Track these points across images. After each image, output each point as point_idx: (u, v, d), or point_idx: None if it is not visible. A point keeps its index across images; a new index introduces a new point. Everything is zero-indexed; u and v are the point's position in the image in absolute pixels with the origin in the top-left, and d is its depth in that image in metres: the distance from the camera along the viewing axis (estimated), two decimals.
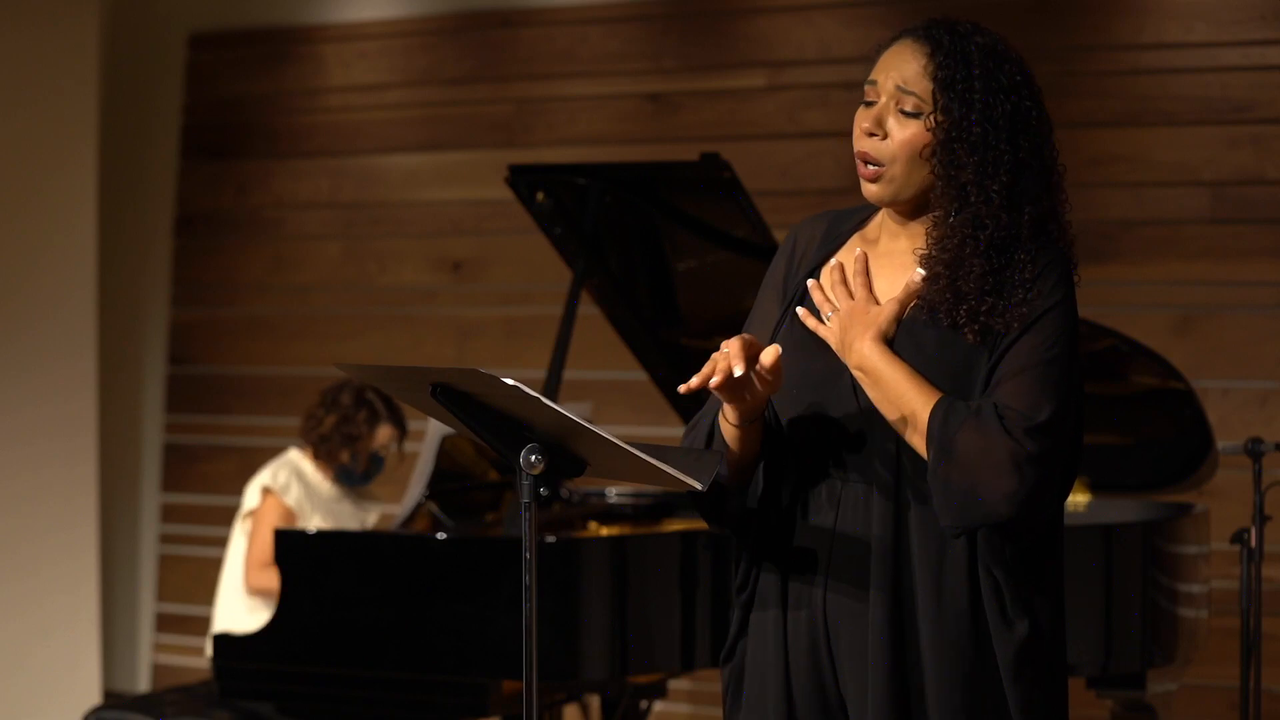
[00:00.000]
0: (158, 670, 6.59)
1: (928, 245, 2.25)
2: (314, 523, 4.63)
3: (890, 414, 2.20)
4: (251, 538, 4.60)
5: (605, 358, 5.40)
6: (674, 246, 4.29)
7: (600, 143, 5.91)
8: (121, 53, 6.64)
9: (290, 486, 4.62)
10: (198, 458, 6.54)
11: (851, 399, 2.25)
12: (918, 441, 2.18)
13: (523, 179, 4.20)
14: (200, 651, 5.60)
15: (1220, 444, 4.11)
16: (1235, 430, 4.88)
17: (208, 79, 6.65)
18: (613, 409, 5.62)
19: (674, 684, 5.05)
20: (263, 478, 4.66)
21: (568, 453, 2.23)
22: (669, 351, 4.38)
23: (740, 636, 2.36)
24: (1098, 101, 5.35)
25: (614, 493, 4.57)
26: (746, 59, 5.78)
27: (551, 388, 4.19)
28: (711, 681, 5.22)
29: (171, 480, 6.65)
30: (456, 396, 2.23)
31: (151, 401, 6.70)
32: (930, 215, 2.26)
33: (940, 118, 2.20)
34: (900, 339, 2.22)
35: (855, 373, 2.22)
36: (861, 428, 2.25)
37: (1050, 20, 5.41)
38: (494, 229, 6.11)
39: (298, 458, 4.71)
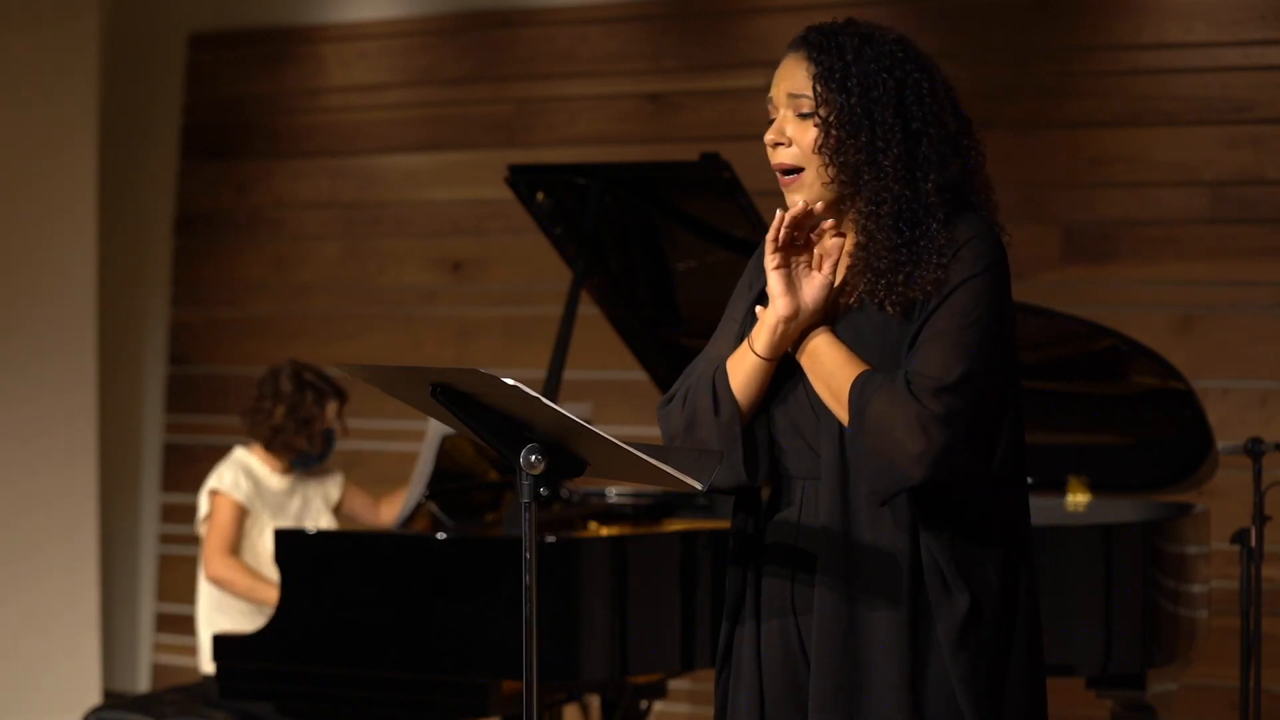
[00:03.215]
0: (158, 670, 6.59)
1: (851, 237, 2.32)
2: (262, 521, 4.54)
3: (824, 394, 2.27)
4: (209, 530, 4.51)
5: (605, 358, 5.40)
6: (674, 246, 4.28)
7: (600, 143, 5.91)
8: (121, 53, 6.64)
9: (239, 483, 4.53)
10: (198, 458, 6.53)
11: (805, 394, 2.32)
12: (843, 415, 2.25)
13: (523, 179, 4.20)
14: (197, 653, 5.60)
15: (1220, 444, 4.12)
16: (1235, 430, 4.88)
17: (208, 79, 6.65)
18: (613, 409, 5.62)
19: (674, 684, 5.05)
20: (209, 482, 4.57)
21: (568, 453, 2.24)
22: (669, 351, 4.38)
23: (731, 642, 2.43)
24: (1098, 101, 5.35)
25: (614, 493, 4.57)
26: (746, 59, 5.77)
27: (551, 388, 4.19)
28: (711, 682, 5.22)
29: (171, 480, 6.65)
30: (456, 396, 2.23)
31: (151, 401, 6.70)
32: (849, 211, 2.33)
33: (824, 111, 2.28)
34: (840, 329, 2.30)
35: (798, 358, 2.30)
36: (813, 422, 2.32)
37: (1050, 20, 5.41)
38: (494, 229, 6.11)
39: (244, 455, 4.61)
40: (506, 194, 4.39)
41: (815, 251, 2.32)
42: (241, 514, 4.52)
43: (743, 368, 2.33)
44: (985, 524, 2.26)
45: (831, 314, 2.31)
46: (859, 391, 2.22)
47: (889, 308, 2.25)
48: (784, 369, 2.33)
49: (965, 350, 2.21)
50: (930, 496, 2.23)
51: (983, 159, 2.34)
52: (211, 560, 4.49)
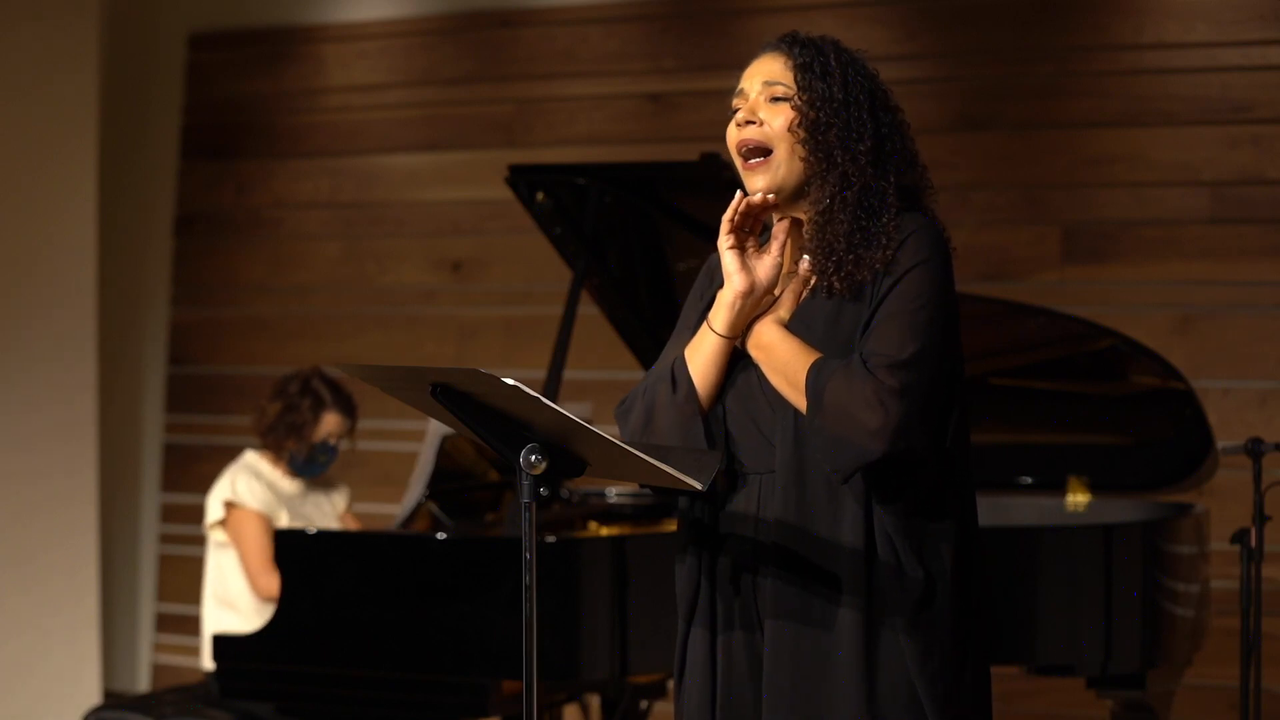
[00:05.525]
0: (158, 670, 6.59)
1: (807, 224, 2.38)
2: (281, 522, 4.51)
3: (781, 385, 2.32)
4: (242, 552, 4.48)
5: (605, 358, 5.40)
6: (674, 246, 4.29)
7: (600, 143, 5.91)
8: (121, 53, 6.64)
9: (253, 490, 4.49)
10: (198, 458, 6.54)
11: (760, 387, 2.37)
12: (801, 401, 2.30)
13: (523, 179, 4.20)
14: (200, 651, 5.60)
15: (1220, 444, 4.12)
16: (1235, 430, 4.88)
17: (208, 79, 6.65)
18: (613, 409, 5.62)
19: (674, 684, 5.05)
20: (222, 490, 4.52)
21: (568, 453, 2.24)
22: None
23: (686, 643, 2.48)
24: (1098, 101, 5.35)
25: (614, 493, 4.57)
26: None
27: (551, 388, 4.19)
28: None
29: (171, 480, 6.65)
30: (456, 396, 2.23)
31: (151, 401, 6.70)
32: (810, 195, 2.39)
33: (804, 95, 2.37)
34: (791, 321, 2.36)
35: (752, 352, 2.35)
36: (769, 415, 2.36)
37: (1050, 20, 5.41)
38: (494, 229, 6.11)
39: (254, 459, 4.59)
40: (506, 194, 4.39)
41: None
42: (268, 523, 4.49)
43: (701, 350, 2.38)
44: (939, 502, 2.32)
45: (776, 298, 2.37)
46: (816, 375, 2.27)
47: (837, 284, 2.32)
48: (737, 364, 2.39)
49: (917, 330, 2.28)
50: (885, 476, 2.28)
51: (930, 183, 2.43)
52: (259, 581, 4.44)
